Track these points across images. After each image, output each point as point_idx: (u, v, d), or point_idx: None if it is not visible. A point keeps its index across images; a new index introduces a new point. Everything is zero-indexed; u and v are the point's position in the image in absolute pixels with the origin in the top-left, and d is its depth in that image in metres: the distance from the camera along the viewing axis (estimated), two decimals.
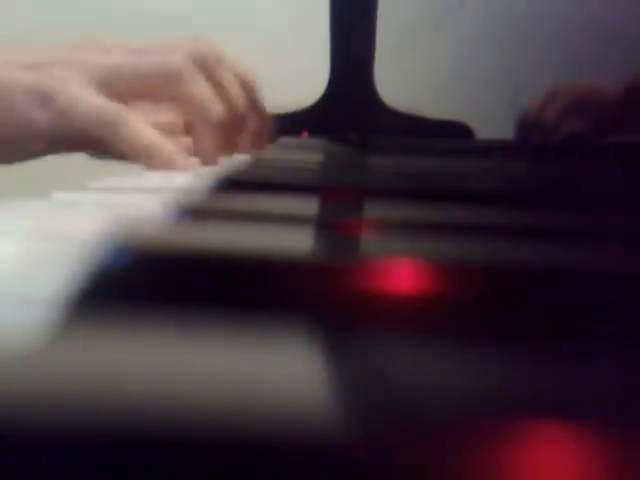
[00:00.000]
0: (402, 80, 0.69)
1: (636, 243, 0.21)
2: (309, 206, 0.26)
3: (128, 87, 0.42)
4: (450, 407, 0.10)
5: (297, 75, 0.86)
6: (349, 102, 0.66)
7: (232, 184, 0.30)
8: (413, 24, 0.68)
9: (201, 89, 0.43)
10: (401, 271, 0.16)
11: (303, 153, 0.50)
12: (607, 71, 0.53)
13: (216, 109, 0.44)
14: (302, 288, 0.16)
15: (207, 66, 0.44)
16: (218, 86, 0.45)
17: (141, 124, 0.41)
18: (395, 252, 0.18)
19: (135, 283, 0.16)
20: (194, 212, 0.22)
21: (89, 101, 0.40)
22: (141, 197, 0.27)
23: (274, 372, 0.11)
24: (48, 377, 0.10)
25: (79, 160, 0.61)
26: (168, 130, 0.46)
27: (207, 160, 0.44)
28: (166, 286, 0.16)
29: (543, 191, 0.33)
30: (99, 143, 0.41)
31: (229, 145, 0.46)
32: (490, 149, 0.57)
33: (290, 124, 0.67)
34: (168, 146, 0.41)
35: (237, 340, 0.12)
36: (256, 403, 0.10)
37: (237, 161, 0.47)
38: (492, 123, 0.64)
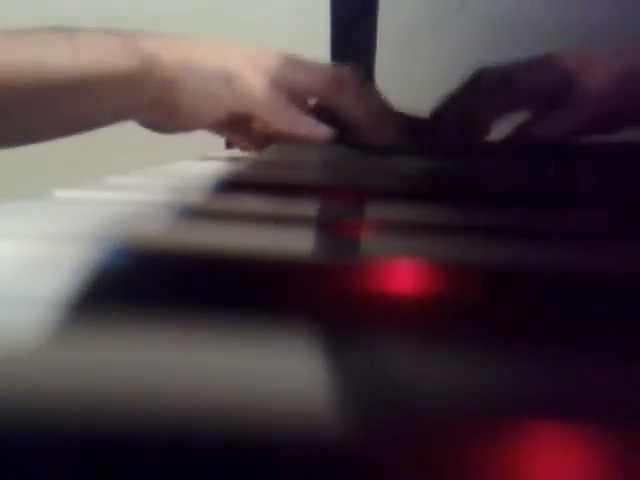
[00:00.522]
0: (402, 81, 0.69)
1: (636, 243, 0.21)
2: (310, 207, 0.26)
3: (298, 86, 0.52)
4: (450, 407, 0.10)
5: None
6: None
7: (233, 185, 0.30)
8: (413, 25, 0.68)
9: (361, 113, 0.53)
10: (401, 271, 0.16)
11: (303, 154, 0.50)
12: None
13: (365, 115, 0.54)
14: (303, 288, 0.16)
15: (346, 87, 0.54)
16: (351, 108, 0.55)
17: (301, 114, 0.51)
18: (395, 253, 0.18)
19: (135, 283, 0.16)
20: (195, 212, 0.22)
21: (260, 89, 0.50)
22: (142, 197, 0.27)
23: (275, 372, 0.11)
24: (48, 377, 0.10)
25: (80, 159, 0.61)
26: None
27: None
28: (166, 286, 0.16)
29: (543, 191, 0.33)
30: (262, 121, 0.52)
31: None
32: (490, 150, 0.57)
33: None
34: (320, 131, 0.52)
35: (238, 340, 0.12)
36: (257, 403, 0.10)
37: (239, 162, 0.47)
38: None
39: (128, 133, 0.61)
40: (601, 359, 0.13)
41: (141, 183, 0.34)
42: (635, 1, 0.51)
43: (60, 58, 0.47)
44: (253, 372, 0.11)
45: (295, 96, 0.52)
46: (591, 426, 0.09)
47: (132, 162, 0.55)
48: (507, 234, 0.22)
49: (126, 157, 0.62)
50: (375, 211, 0.27)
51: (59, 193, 0.26)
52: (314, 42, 0.71)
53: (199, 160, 0.49)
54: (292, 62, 0.53)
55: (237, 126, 0.54)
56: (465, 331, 0.15)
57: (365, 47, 0.66)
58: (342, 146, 0.53)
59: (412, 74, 0.69)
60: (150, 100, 0.50)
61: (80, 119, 0.51)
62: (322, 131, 0.52)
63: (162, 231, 0.20)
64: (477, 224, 0.24)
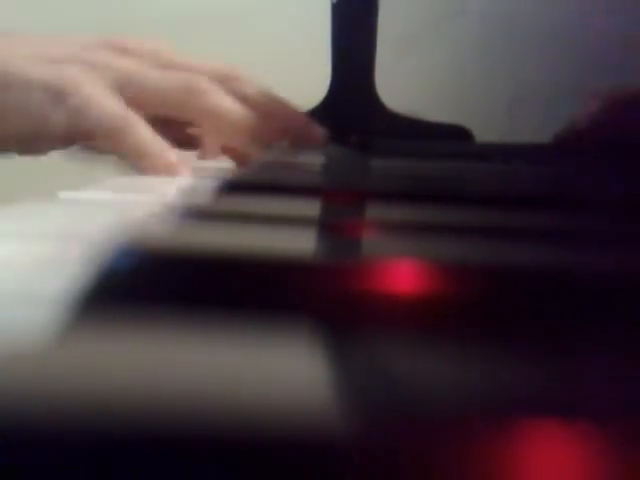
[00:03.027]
0: (403, 84, 0.69)
1: (636, 244, 0.21)
2: (312, 208, 0.26)
3: (145, 97, 0.43)
4: (451, 407, 0.10)
5: (298, 79, 0.86)
6: (350, 106, 0.66)
7: (235, 186, 0.30)
8: (414, 28, 0.68)
9: (224, 100, 0.44)
10: (403, 272, 0.16)
11: (305, 156, 0.50)
12: (607, 75, 0.53)
13: (241, 114, 0.45)
14: (303, 289, 0.16)
15: (228, 82, 0.46)
16: (240, 98, 0.46)
17: (148, 133, 0.41)
18: (397, 253, 0.18)
19: (139, 284, 0.16)
20: (198, 213, 0.22)
21: (100, 104, 0.40)
22: (146, 198, 0.27)
23: (275, 372, 0.11)
24: (52, 378, 0.10)
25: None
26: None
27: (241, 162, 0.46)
28: (170, 287, 0.16)
29: (543, 192, 0.33)
30: (103, 146, 0.42)
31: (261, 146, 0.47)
32: (490, 152, 0.57)
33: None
34: (171, 156, 0.42)
35: (240, 340, 0.12)
36: (257, 403, 0.10)
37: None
38: (492, 126, 0.64)
39: None
40: (601, 359, 0.13)
41: (145, 185, 0.34)
42: (635, 2, 0.51)
43: None
44: (253, 372, 0.11)
45: (145, 108, 0.43)
46: (591, 426, 0.09)
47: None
48: (507, 234, 0.22)
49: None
50: (376, 211, 0.27)
51: (64, 194, 0.26)
52: (314, 44, 0.71)
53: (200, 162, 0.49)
54: (136, 54, 0.44)
55: (85, 142, 0.44)
56: (465, 331, 0.15)
57: (366, 51, 0.66)
58: (343, 147, 0.53)
59: (412, 76, 0.69)
60: None
61: None
62: (172, 157, 0.42)
63: (165, 232, 0.20)
64: (477, 224, 0.24)
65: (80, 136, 0.42)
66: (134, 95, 0.42)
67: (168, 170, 0.41)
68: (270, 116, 0.48)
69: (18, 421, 0.09)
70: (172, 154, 0.42)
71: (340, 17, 0.67)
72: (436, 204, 0.27)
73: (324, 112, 0.66)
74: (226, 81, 0.46)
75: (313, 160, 0.48)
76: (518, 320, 0.15)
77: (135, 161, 0.41)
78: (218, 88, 0.44)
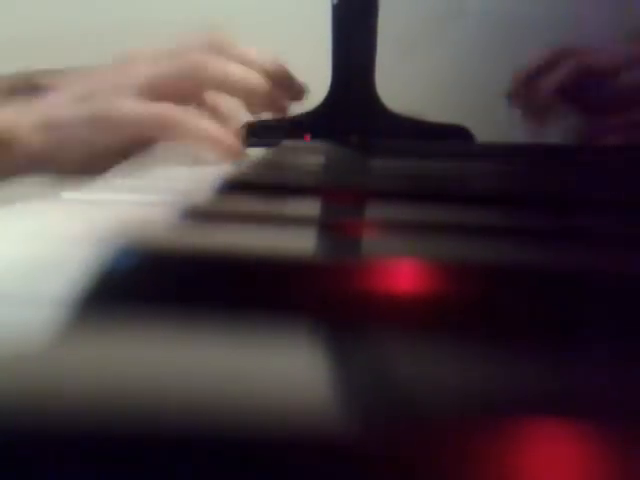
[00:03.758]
0: (403, 84, 0.69)
1: (635, 244, 0.21)
2: (312, 208, 0.26)
3: (164, 92, 0.44)
4: (451, 407, 0.10)
5: (299, 79, 0.86)
6: (351, 106, 0.66)
7: (236, 186, 0.30)
8: (414, 29, 0.68)
9: (228, 66, 0.44)
10: (403, 271, 0.16)
11: (306, 156, 0.50)
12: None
13: (252, 76, 0.45)
14: (304, 288, 0.16)
15: (224, 49, 0.46)
16: (243, 63, 0.46)
17: (194, 116, 0.43)
18: (396, 252, 0.18)
19: (139, 284, 0.16)
20: (198, 213, 0.22)
21: (135, 107, 0.43)
22: (147, 198, 0.27)
23: (275, 372, 0.11)
24: (53, 378, 0.10)
25: None
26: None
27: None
28: (170, 287, 0.16)
29: (543, 191, 0.33)
30: (150, 142, 0.44)
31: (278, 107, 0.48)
32: (490, 152, 0.57)
33: (292, 128, 0.67)
34: (228, 137, 0.44)
35: (241, 340, 0.12)
36: (257, 403, 0.10)
37: (241, 163, 0.47)
38: (492, 126, 0.64)
39: None
40: (601, 359, 0.13)
41: (145, 185, 0.34)
42: (634, 1, 0.51)
43: None
44: (254, 371, 0.11)
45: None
46: (591, 425, 0.09)
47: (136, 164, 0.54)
48: (508, 234, 0.22)
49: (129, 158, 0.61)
50: (376, 211, 0.27)
51: (65, 194, 0.26)
52: (314, 45, 0.71)
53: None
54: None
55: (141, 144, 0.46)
56: (466, 330, 0.15)
57: (366, 51, 0.66)
58: (344, 148, 0.53)
59: (413, 77, 0.69)
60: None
61: None
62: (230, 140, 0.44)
63: (166, 232, 0.20)
64: (478, 224, 0.24)
65: (124, 146, 0.44)
66: (153, 94, 0.44)
67: (228, 151, 0.43)
68: (276, 78, 0.49)
69: (18, 421, 0.09)
70: (228, 134, 0.44)
71: (340, 18, 0.67)
72: (436, 203, 0.27)
73: (324, 112, 0.66)
74: (222, 47, 0.47)
75: (313, 160, 0.48)
76: (518, 319, 0.15)
77: (196, 144, 0.43)
78: (219, 58, 0.45)
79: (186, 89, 0.45)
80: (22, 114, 0.44)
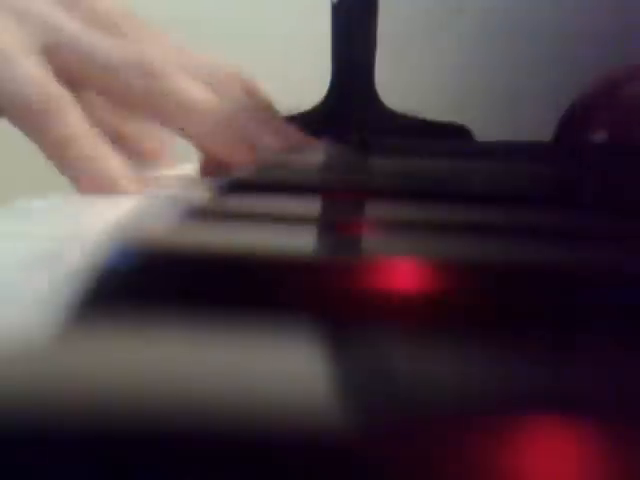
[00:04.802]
0: (403, 82, 0.69)
1: (635, 243, 0.21)
2: (312, 206, 0.26)
3: (86, 72, 0.31)
4: (451, 406, 0.10)
5: (298, 78, 0.86)
6: (350, 104, 0.66)
7: (236, 185, 0.30)
8: (413, 27, 0.68)
9: (188, 86, 0.32)
10: (403, 270, 0.16)
11: (305, 155, 0.50)
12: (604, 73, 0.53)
13: (208, 105, 0.33)
14: (305, 288, 0.16)
15: (193, 67, 0.35)
16: (209, 85, 0.35)
17: (81, 122, 0.29)
18: (398, 252, 0.18)
19: (139, 283, 0.16)
20: (198, 212, 0.22)
21: (18, 71, 0.28)
22: (147, 196, 0.27)
23: (275, 371, 0.11)
24: (50, 378, 0.10)
25: None
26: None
27: (216, 168, 0.37)
28: (171, 286, 0.16)
29: (543, 191, 0.33)
30: (18, 126, 0.30)
31: (242, 147, 0.36)
32: (490, 150, 0.57)
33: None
34: (113, 166, 0.30)
35: (240, 339, 0.12)
36: (257, 402, 0.10)
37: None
38: (491, 125, 0.64)
39: None
40: (601, 359, 0.13)
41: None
42: (634, 3, 0.51)
43: None
44: (253, 371, 0.11)
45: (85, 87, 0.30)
46: (591, 425, 0.09)
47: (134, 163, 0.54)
48: (508, 233, 0.22)
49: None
50: (376, 210, 0.27)
51: (62, 193, 0.26)
52: (314, 44, 0.71)
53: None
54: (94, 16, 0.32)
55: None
56: (466, 330, 0.15)
57: (366, 50, 0.66)
58: (344, 147, 0.53)
59: (412, 76, 0.69)
60: None
61: None
62: (113, 166, 0.29)
63: (165, 231, 0.20)
64: (478, 223, 0.24)
65: None
66: (69, 66, 0.30)
67: (103, 184, 0.28)
68: (247, 109, 0.36)
69: (16, 422, 0.09)
70: (114, 162, 0.30)
71: (340, 17, 0.67)
72: (436, 202, 0.27)
73: (324, 111, 0.66)
74: (213, 78, 0.35)
75: (313, 159, 0.48)
76: (519, 318, 0.16)
77: (54, 159, 0.29)
78: (184, 75, 0.32)
79: (118, 85, 0.31)
80: None
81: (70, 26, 0.30)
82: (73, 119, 0.28)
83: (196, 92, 0.32)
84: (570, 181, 0.38)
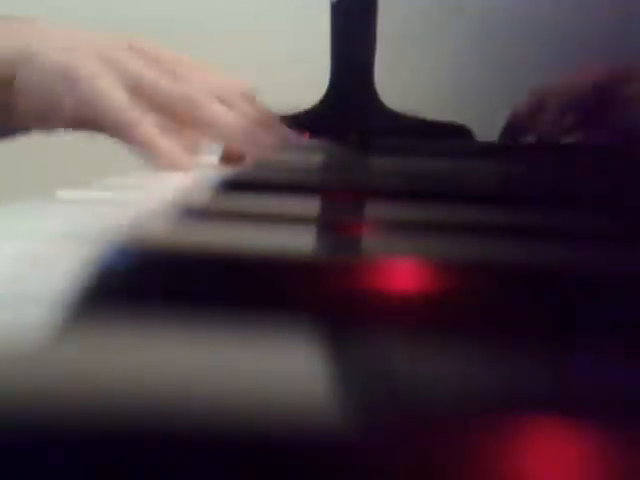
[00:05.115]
0: (402, 82, 0.69)
1: (635, 243, 0.21)
2: (311, 206, 0.26)
3: (152, 101, 0.46)
4: (451, 406, 0.10)
5: (298, 78, 0.86)
6: (350, 104, 0.66)
7: (235, 185, 0.30)
8: (413, 26, 0.68)
9: (218, 111, 0.48)
10: (402, 270, 0.16)
11: (305, 154, 0.50)
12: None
13: (234, 123, 0.49)
14: (304, 287, 0.16)
15: (223, 96, 0.50)
16: (231, 106, 0.50)
17: (152, 129, 0.45)
18: (397, 252, 0.18)
19: (137, 283, 0.16)
20: (196, 212, 0.22)
21: (109, 98, 0.43)
22: (145, 197, 0.27)
23: (275, 371, 0.11)
24: (50, 377, 0.10)
25: (84, 159, 0.62)
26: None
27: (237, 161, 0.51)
28: (167, 286, 0.16)
29: (543, 191, 0.33)
30: (111, 136, 0.45)
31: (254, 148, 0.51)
32: (490, 150, 0.57)
33: (291, 126, 0.67)
34: (178, 155, 0.45)
35: (239, 339, 0.12)
36: (257, 402, 0.10)
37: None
38: (492, 125, 0.64)
39: None
40: (601, 359, 0.13)
41: (143, 184, 0.34)
42: (634, 2, 0.51)
43: None
44: (253, 371, 0.11)
45: (151, 111, 0.46)
46: (591, 425, 0.09)
47: (134, 163, 0.55)
48: (508, 233, 0.22)
49: (128, 158, 0.62)
50: (375, 210, 0.27)
51: (62, 193, 0.26)
52: (314, 44, 0.71)
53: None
54: (151, 58, 0.48)
55: (93, 129, 0.47)
56: (465, 330, 0.15)
57: (365, 49, 0.66)
58: (343, 147, 0.53)
59: (412, 75, 0.69)
60: None
61: None
62: (177, 152, 0.45)
63: (165, 231, 0.20)
64: (477, 223, 0.24)
65: (87, 123, 0.45)
66: (143, 97, 0.45)
67: (174, 164, 0.44)
68: (257, 123, 0.52)
69: (15, 420, 0.09)
70: (177, 149, 0.45)
71: (340, 16, 0.67)
72: (436, 202, 0.27)
73: (323, 110, 0.66)
74: (227, 95, 0.51)
75: (312, 158, 0.49)
76: (518, 319, 0.15)
77: (141, 154, 0.44)
78: (213, 100, 0.48)
79: (176, 111, 0.48)
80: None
81: (143, 71, 0.46)
82: (149, 129, 0.44)
83: (221, 111, 0.48)
84: (571, 181, 0.38)
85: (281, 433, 0.09)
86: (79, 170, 0.62)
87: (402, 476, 0.09)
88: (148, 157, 0.44)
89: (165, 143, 0.44)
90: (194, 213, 0.22)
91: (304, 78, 0.69)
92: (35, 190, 0.25)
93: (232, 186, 0.30)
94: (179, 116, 0.47)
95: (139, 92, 0.45)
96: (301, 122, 0.67)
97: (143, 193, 0.29)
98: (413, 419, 0.09)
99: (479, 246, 0.20)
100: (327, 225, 0.23)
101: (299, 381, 0.11)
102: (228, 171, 0.40)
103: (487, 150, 0.56)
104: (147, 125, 0.44)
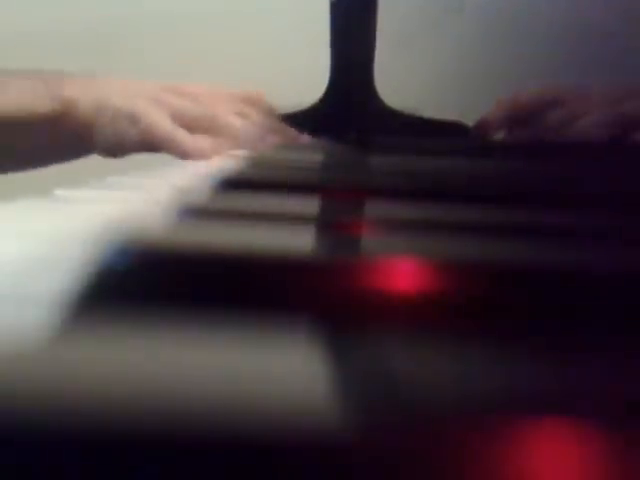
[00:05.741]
0: (402, 80, 0.69)
1: (635, 243, 0.21)
2: (310, 206, 0.26)
3: (187, 124, 0.64)
4: (450, 406, 0.10)
5: (298, 76, 0.86)
6: (349, 102, 0.66)
7: (234, 184, 0.30)
8: (413, 25, 0.68)
9: (235, 123, 0.65)
10: (402, 270, 0.16)
11: (304, 153, 0.50)
12: (603, 71, 0.54)
13: (246, 132, 0.64)
14: (303, 287, 0.16)
15: (238, 108, 0.67)
16: (245, 116, 0.67)
17: (191, 141, 0.62)
18: (396, 251, 0.18)
19: (136, 282, 0.16)
20: (196, 211, 0.22)
21: (161, 126, 0.61)
22: (144, 197, 0.27)
23: (275, 371, 0.11)
24: (49, 378, 0.10)
25: (84, 158, 0.63)
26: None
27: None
28: (167, 286, 0.16)
29: (543, 191, 0.33)
30: (166, 152, 0.62)
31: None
32: (489, 149, 0.57)
33: (291, 125, 0.67)
34: (207, 151, 0.61)
35: (239, 339, 0.12)
36: (256, 403, 0.10)
37: (239, 161, 0.47)
38: None
39: None
40: (601, 359, 0.13)
41: (142, 183, 0.34)
42: (634, 2, 0.51)
43: None
44: (253, 371, 0.11)
45: (190, 122, 0.64)
46: (591, 425, 0.09)
47: (133, 163, 0.56)
48: (508, 233, 0.22)
49: (128, 158, 0.63)
50: (375, 209, 0.27)
51: (60, 193, 0.26)
52: (314, 43, 0.71)
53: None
54: (183, 94, 0.66)
55: (153, 150, 0.64)
56: (465, 330, 0.15)
57: (365, 47, 0.66)
58: (343, 145, 0.53)
59: (412, 74, 0.69)
60: (67, 138, 0.61)
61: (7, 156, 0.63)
62: (208, 152, 0.61)
63: (163, 231, 0.20)
64: (478, 223, 0.24)
65: (150, 147, 0.62)
66: (183, 121, 0.63)
67: (205, 155, 0.60)
68: (267, 129, 0.67)
69: (15, 421, 0.09)
70: (208, 151, 0.62)
71: (339, 15, 0.67)
72: (435, 201, 0.27)
73: (323, 109, 0.66)
74: (244, 104, 0.68)
75: (312, 157, 0.48)
76: (518, 319, 0.15)
77: (184, 159, 0.61)
78: (231, 114, 0.65)
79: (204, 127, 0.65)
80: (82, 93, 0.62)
81: (181, 104, 0.64)
82: (190, 142, 0.62)
83: (236, 121, 0.65)
84: (571, 181, 0.38)
85: (281, 433, 0.09)
86: (78, 169, 0.63)
87: (402, 476, 0.09)
88: (192, 160, 0.58)
89: (198, 147, 0.61)
90: (194, 212, 0.22)
91: (304, 77, 0.69)
92: (35, 190, 0.25)
93: (232, 185, 0.30)
94: (209, 131, 0.63)
95: (179, 118, 0.63)
96: (301, 121, 0.67)
97: (143, 193, 0.29)
98: (413, 419, 0.09)
99: (479, 246, 0.20)
100: (327, 224, 0.23)
101: (298, 381, 0.11)
102: (230, 170, 0.40)
103: (487, 149, 0.56)
104: (188, 139, 0.61)
